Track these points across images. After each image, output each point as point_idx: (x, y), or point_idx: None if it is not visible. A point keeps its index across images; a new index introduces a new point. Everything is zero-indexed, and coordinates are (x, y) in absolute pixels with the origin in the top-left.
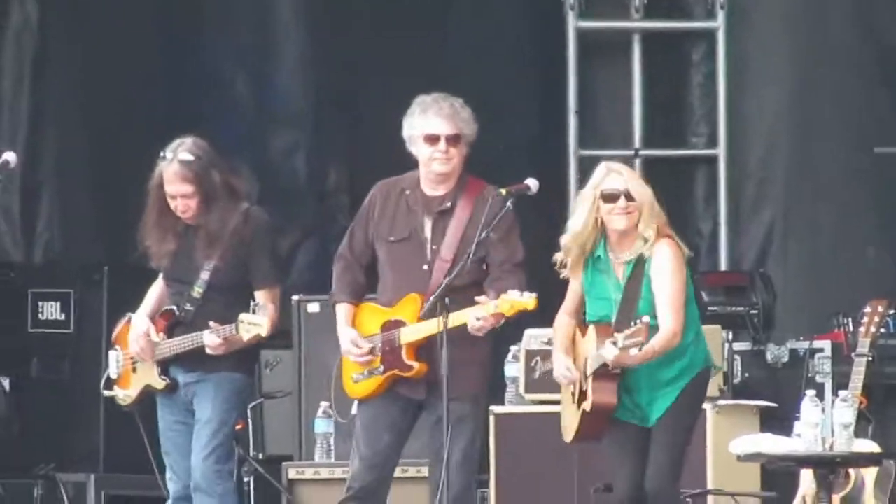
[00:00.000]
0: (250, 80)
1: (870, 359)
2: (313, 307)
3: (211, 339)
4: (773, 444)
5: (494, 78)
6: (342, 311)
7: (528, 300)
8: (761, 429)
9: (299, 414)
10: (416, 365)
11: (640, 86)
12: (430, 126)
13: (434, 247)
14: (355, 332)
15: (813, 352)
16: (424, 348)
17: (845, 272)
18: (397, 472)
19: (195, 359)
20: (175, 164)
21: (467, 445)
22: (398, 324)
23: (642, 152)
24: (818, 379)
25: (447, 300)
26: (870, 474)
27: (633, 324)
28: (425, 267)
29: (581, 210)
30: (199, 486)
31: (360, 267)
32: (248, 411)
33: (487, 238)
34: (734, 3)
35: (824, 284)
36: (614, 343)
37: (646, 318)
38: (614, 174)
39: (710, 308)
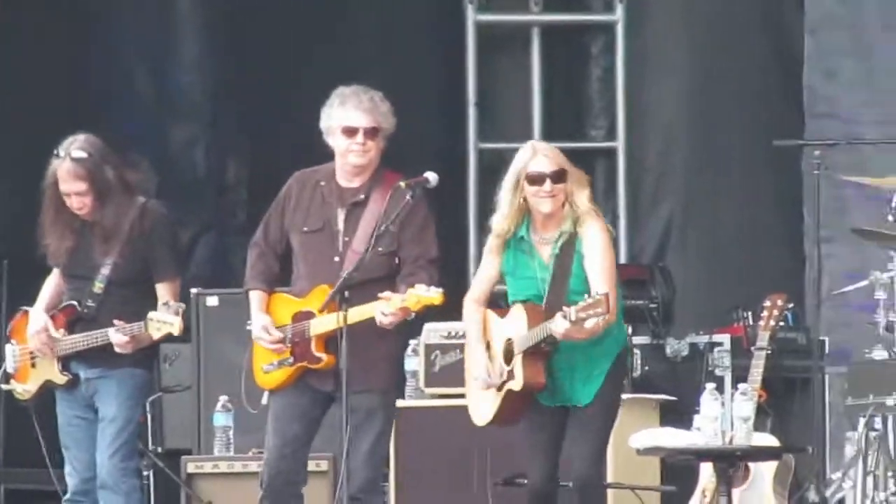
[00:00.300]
0: (150, 74)
1: (769, 352)
2: (212, 301)
3: (117, 337)
4: (673, 437)
5: (395, 71)
6: (255, 297)
7: (434, 295)
8: (661, 422)
9: (198, 408)
10: (324, 357)
11: (539, 79)
12: (349, 118)
13: (346, 238)
14: (268, 318)
15: (712, 345)
16: (333, 340)
17: (744, 266)
18: None
19: (96, 354)
20: (67, 162)
21: (375, 439)
22: (308, 315)
23: None
24: (717, 372)
25: (346, 294)
26: (769, 468)
27: (585, 297)
28: (336, 258)
29: (506, 191)
30: (105, 483)
31: (274, 256)
32: (147, 405)
33: (399, 233)
34: None
35: (724, 278)
36: (565, 316)
37: (604, 289)
38: (540, 156)
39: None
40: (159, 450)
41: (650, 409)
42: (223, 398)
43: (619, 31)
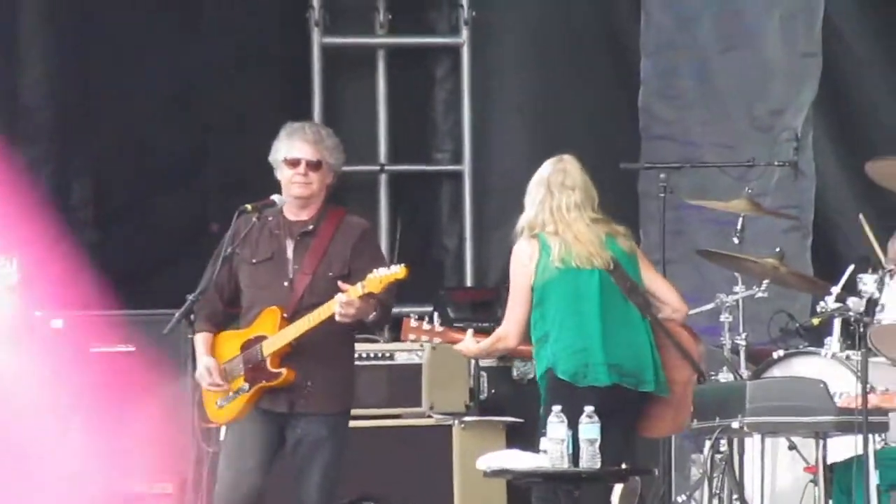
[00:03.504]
0: None
1: None
2: (57, 323)
3: None
4: (520, 460)
5: (242, 92)
6: (199, 340)
7: (396, 270)
8: (507, 445)
9: None
10: (283, 372)
11: (385, 101)
12: (293, 150)
13: (296, 266)
14: (212, 360)
15: None
16: (289, 357)
17: None
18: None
19: None
20: None
21: (328, 466)
22: (259, 339)
23: (388, 168)
24: None
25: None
26: (615, 491)
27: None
28: (286, 283)
29: None
30: None
31: (219, 298)
32: None
33: (351, 261)
34: (478, 19)
35: None
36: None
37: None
38: None
39: (455, 324)
40: None
41: (497, 432)
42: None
43: (465, 53)
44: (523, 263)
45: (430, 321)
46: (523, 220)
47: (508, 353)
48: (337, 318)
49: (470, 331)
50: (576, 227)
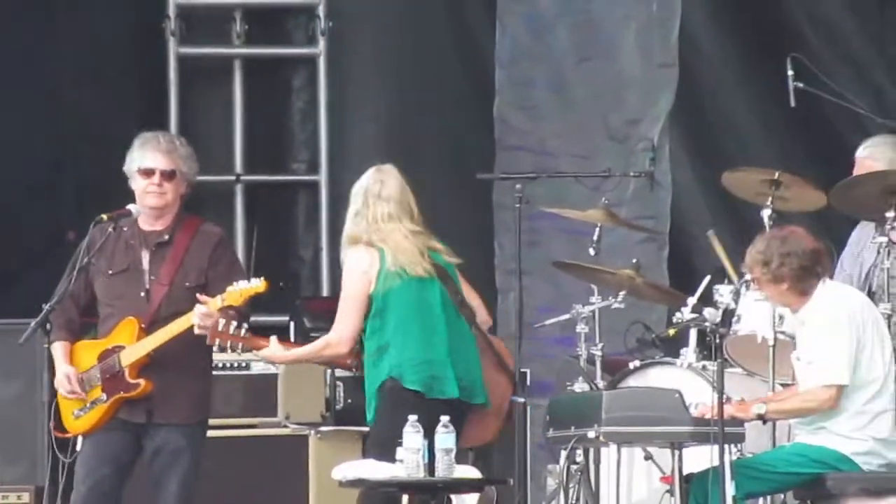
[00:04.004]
0: None
1: None
2: None
3: None
4: (376, 469)
5: (100, 101)
6: (57, 348)
7: (256, 284)
8: (363, 454)
9: None
10: (141, 382)
11: (241, 111)
12: (146, 160)
13: (152, 277)
14: (71, 367)
15: None
16: (147, 368)
17: None
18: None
19: None
20: None
21: (185, 475)
22: (117, 349)
23: (244, 178)
24: None
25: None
26: (471, 500)
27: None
28: (143, 294)
29: None
30: None
31: (75, 307)
32: None
33: (208, 270)
34: (335, 30)
35: None
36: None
37: None
38: None
39: (312, 333)
40: None
41: (353, 441)
42: None
43: (321, 64)
44: (363, 271)
45: (238, 326)
46: (345, 231)
47: (332, 361)
48: (196, 330)
49: (274, 337)
50: (393, 238)
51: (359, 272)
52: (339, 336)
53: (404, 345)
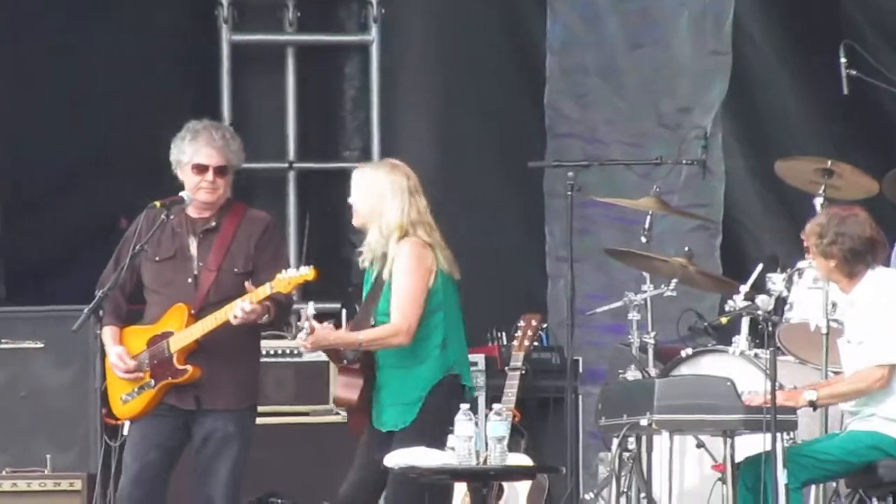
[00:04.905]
0: None
1: (523, 372)
2: None
3: None
4: (427, 457)
5: (149, 89)
6: (107, 332)
7: (305, 272)
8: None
9: None
10: (189, 368)
11: (293, 99)
12: (200, 155)
13: (200, 263)
14: (122, 347)
15: None
16: (195, 354)
17: (498, 286)
18: (50, 486)
19: None
20: None
21: (234, 462)
22: (165, 335)
23: (296, 165)
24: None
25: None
26: (523, 488)
27: (371, 321)
28: (190, 280)
29: None
30: None
31: (122, 293)
32: None
33: (255, 256)
34: (387, 18)
35: (477, 298)
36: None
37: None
38: (352, 184)
39: None
40: None
41: None
42: None
43: (374, 51)
44: (427, 267)
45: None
46: (393, 221)
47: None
48: (231, 321)
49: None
50: (435, 237)
51: (424, 268)
52: (408, 326)
53: (459, 342)
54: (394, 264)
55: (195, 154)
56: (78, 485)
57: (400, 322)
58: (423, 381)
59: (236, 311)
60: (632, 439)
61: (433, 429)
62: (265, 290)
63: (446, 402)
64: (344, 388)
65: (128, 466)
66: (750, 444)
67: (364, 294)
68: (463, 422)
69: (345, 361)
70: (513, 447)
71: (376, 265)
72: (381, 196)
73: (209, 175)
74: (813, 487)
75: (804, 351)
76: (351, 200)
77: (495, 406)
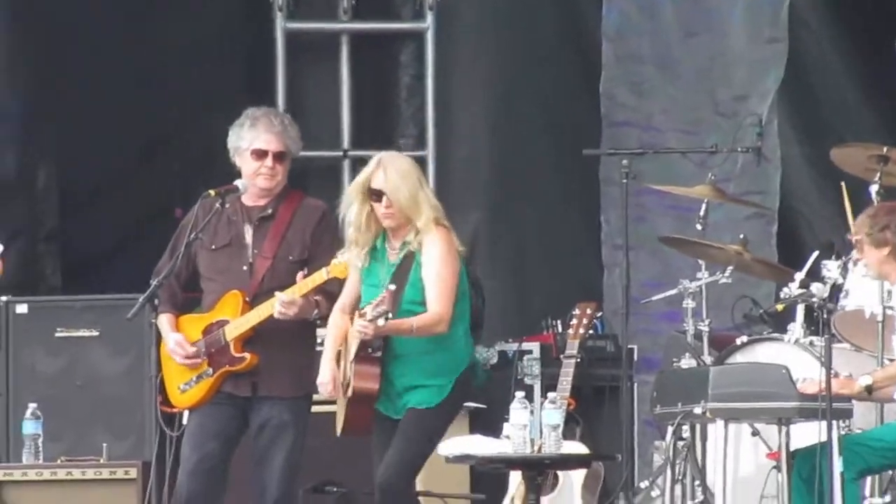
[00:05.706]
0: None
1: (578, 360)
2: (21, 308)
3: None
4: (482, 445)
5: (203, 78)
6: (164, 320)
7: None
8: (470, 430)
9: (7, 415)
10: (247, 356)
11: (348, 87)
12: (259, 141)
13: (255, 250)
14: (180, 335)
15: (522, 354)
16: (252, 341)
17: (553, 274)
18: (105, 474)
19: None
20: None
21: (290, 450)
22: (221, 323)
23: (351, 153)
24: (527, 381)
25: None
26: (578, 476)
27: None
28: (245, 268)
29: (354, 204)
30: None
31: (177, 281)
32: None
33: (311, 245)
34: (442, 5)
35: (533, 286)
36: (362, 315)
37: (392, 286)
38: (379, 171)
39: None
40: None
41: (459, 417)
42: (32, 406)
43: (429, 38)
44: (458, 255)
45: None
46: (430, 210)
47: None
48: (276, 315)
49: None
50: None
51: (456, 255)
52: (448, 315)
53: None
54: (426, 253)
55: (255, 140)
56: (133, 473)
57: (442, 311)
58: (456, 363)
59: (276, 304)
60: (686, 427)
61: (454, 410)
62: (321, 275)
63: (469, 387)
64: (362, 378)
65: (186, 458)
66: (804, 433)
67: (365, 294)
68: (518, 410)
69: (370, 350)
70: (568, 435)
71: (402, 254)
72: (420, 182)
73: (268, 161)
74: (868, 478)
75: (859, 338)
76: (385, 188)
77: (550, 394)
